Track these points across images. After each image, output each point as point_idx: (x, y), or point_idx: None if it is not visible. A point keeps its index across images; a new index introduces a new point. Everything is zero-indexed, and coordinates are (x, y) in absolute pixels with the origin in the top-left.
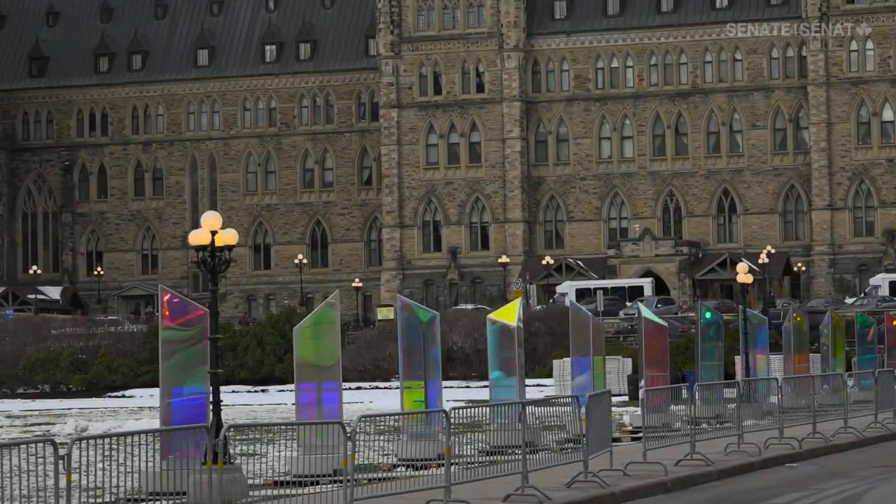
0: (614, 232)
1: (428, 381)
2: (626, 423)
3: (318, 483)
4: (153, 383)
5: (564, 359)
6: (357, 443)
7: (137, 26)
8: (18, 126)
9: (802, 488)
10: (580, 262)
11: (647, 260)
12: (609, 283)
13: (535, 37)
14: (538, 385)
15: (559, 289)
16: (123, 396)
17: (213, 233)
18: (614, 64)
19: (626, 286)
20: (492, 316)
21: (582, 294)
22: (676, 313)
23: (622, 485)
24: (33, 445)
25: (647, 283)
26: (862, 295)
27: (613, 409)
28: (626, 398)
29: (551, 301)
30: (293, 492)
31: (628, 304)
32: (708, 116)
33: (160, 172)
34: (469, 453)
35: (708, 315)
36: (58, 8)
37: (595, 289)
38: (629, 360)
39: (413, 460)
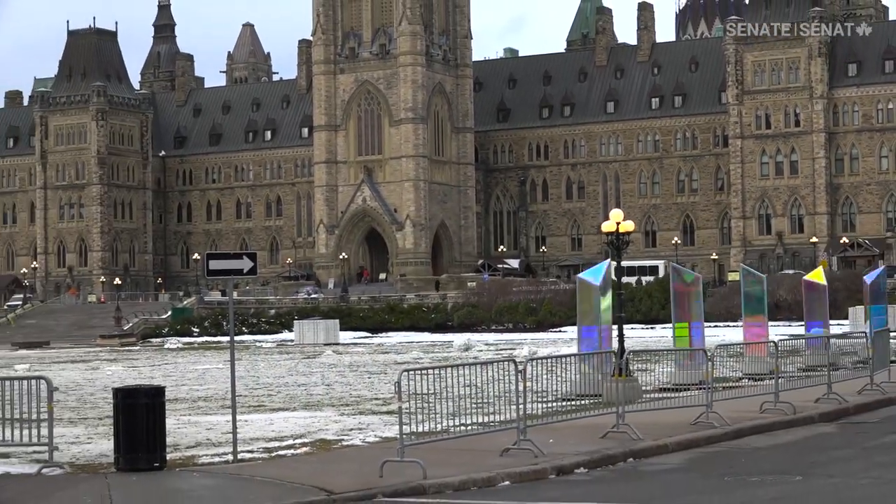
0: (891, 221)
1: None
2: None
3: (688, 390)
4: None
5: (857, 307)
6: (714, 363)
7: (569, 87)
8: (490, 155)
9: None
10: (867, 241)
11: None
12: (637, 263)
13: (835, 88)
14: (838, 324)
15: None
16: (560, 331)
17: (618, 223)
18: (890, 106)
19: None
20: (806, 278)
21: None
22: None
23: None
24: (502, 363)
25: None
26: None
27: (892, 341)
28: None
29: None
30: (672, 395)
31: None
32: None
33: (583, 184)
34: (790, 371)
35: None
36: (515, 76)
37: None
38: None
39: (752, 375)
